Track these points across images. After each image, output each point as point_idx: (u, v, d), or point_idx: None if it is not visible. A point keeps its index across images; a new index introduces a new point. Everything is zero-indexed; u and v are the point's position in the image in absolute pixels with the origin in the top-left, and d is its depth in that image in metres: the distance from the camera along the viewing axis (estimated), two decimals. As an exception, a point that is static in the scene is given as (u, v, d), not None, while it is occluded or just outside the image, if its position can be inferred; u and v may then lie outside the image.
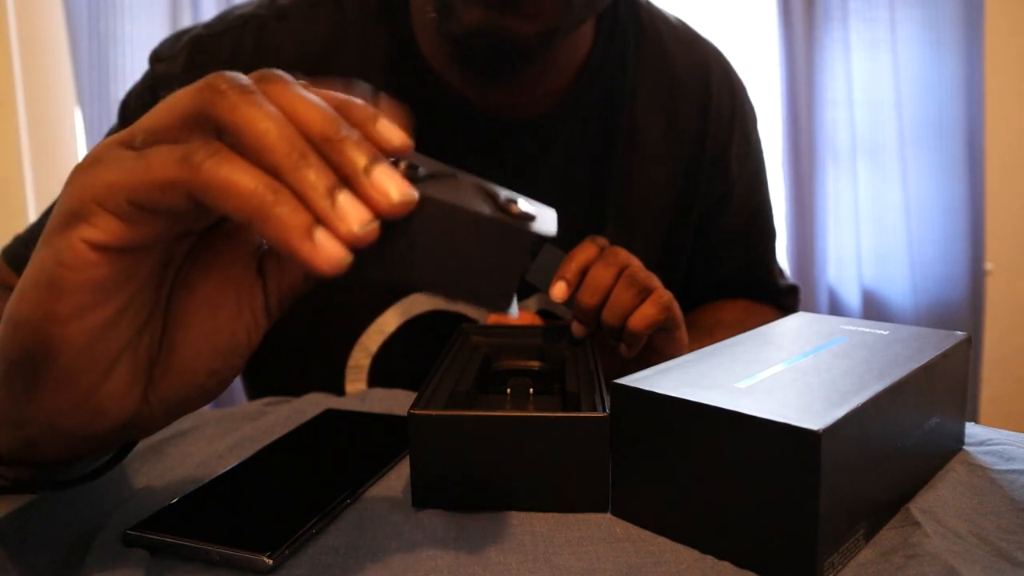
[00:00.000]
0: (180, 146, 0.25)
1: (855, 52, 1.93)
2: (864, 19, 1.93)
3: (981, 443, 0.45)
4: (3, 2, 1.54)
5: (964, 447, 0.45)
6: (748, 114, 0.77)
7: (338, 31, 0.62)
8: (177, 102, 0.26)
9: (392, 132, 0.27)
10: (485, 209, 0.28)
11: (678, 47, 0.71)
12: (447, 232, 0.27)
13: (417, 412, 0.37)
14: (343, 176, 0.25)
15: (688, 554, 0.34)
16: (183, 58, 0.62)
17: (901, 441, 0.37)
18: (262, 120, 0.25)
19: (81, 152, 1.62)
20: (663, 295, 0.53)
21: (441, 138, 0.62)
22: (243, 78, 0.26)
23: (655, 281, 0.54)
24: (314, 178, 0.25)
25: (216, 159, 0.25)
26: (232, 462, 0.43)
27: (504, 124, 0.63)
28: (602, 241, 0.56)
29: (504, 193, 0.30)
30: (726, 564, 0.33)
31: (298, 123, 0.25)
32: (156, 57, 0.64)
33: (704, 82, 0.72)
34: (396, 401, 0.56)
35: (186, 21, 1.57)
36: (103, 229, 0.26)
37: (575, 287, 0.53)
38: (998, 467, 0.42)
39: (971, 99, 1.97)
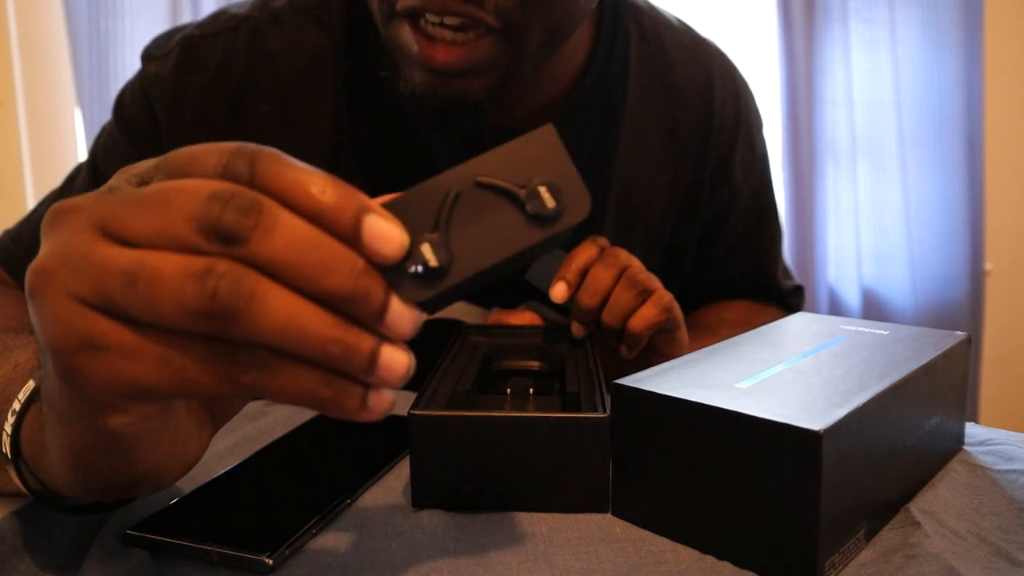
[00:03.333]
0: (217, 351, 0.23)
1: (855, 52, 1.93)
2: (864, 19, 1.93)
3: (981, 443, 0.45)
4: (3, 2, 1.54)
5: (964, 447, 0.45)
6: (752, 119, 0.76)
7: (326, 41, 0.61)
8: (177, 222, 0.23)
9: (385, 242, 0.24)
10: (521, 242, 0.26)
11: (680, 53, 0.71)
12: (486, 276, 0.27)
13: (417, 412, 0.37)
14: (365, 321, 0.24)
15: (688, 554, 0.34)
16: (174, 58, 0.61)
17: (901, 441, 0.37)
18: (281, 318, 0.22)
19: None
20: (663, 296, 0.53)
21: (439, 146, 0.62)
22: (240, 201, 0.23)
23: (655, 282, 0.54)
24: (358, 356, 0.23)
25: (260, 372, 0.23)
26: (232, 462, 0.43)
27: (503, 132, 0.63)
28: (603, 242, 0.56)
29: (527, 184, 0.26)
30: (726, 564, 0.33)
31: (307, 274, 0.23)
32: (147, 56, 0.63)
33: (707, 89, 0.71)
34: (396, 401, 0.56)
35: (186, 21, 1.57)
36: (136, 414, 0.25)
37: (575, 288, 0.53)
38: (998, 467, 0.42)
39: (971, 99, 1.97)
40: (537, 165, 0.26)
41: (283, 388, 0.24)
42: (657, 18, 0.71)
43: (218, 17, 0.64)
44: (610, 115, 0.67)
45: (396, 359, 0.24)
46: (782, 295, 0.81)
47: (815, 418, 0.31)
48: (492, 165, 0.26)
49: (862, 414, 0.32)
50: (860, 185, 1.96)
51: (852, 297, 2.00)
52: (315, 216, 0.23)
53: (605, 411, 0.38)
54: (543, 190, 0.26)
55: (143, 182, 0.25)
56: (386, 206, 0.25)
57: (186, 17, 1.58)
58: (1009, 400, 2.08)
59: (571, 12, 0.52)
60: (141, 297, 0.22)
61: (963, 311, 2.01)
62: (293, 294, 0.23)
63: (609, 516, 0.38)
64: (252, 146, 0.24)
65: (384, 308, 0.24)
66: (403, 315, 0.24)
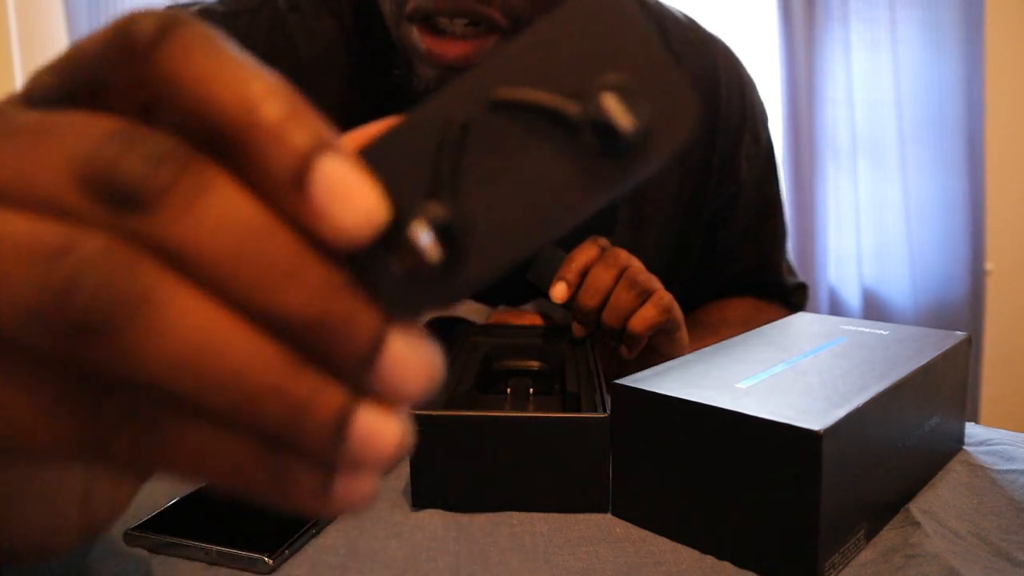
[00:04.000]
0: (71, 392, 0.15)
1: (855, 52, 1.93)
2: (864, 19, 1.93)
3: (981, 443, 0.45)
4: (4, 2, 1.55)
5: (964, 447, 0.45)
6: (758, 114, 0.76)
7: (339, 32, 0.62)
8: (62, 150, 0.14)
9: (347, 210, 0.14)
10: (580, 199, 0.15)
11: (686, 48, 0.71)
12: None
13: (417, 412, 0.37)
14: (341, 365, 0.14)
15: (688, 554, 0.34)
16: None
17: (901, 441, 0.37)
18: (187, 345, 0.13)
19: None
20: (663, 297, 0.53)
21: None
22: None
23: (655, 283, 0.54)
24: (314, 422, 0.14)
25: (144, 434, 0.15)
26: (232, 462, 0.43)
27: None
28: (603, 242, 0.56)
29: (581, 92, 0.15)
30: (726, 564, 0.33)
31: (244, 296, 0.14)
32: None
33: (713, 85, 0.72)
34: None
35: (186, 21, 1.58)
36: None
37: (575, 288, 0.53)
38: (998, 467, 0.42)
39: (971, 99, 1.97)
40: (594, 54, 0.15)
41: (182, 462, 0.15)
42: (663, 13, 0.72)
43: None
44: None
45: (380, 429, 0.15)
46: (785, 292, 0.81)
47: (815, 418, 0.31)
48: (516, 66, 0.15)
49: (862, 414, 0.32)
50: (860, 185, 1.96)
51: (852, 297, 2.00)
52: (265, 164, 0.14)
53: (605, 411, 0.38)
54: (610, 99, 0.14)
55: (32, 100, 0.16)
56: (361, 153, 0.15)
57: (186, 17, 1.58)
58: (1009, 400, 2.08)
59: None
60: None
61: (963, 311, 2.01)
62: (212, 305, 0.14)
63: (609, 516, 0.38)
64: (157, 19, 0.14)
65: (375, 347, 0.14)
66: (405, 360, 0.15)
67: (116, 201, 0.13)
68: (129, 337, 0.13)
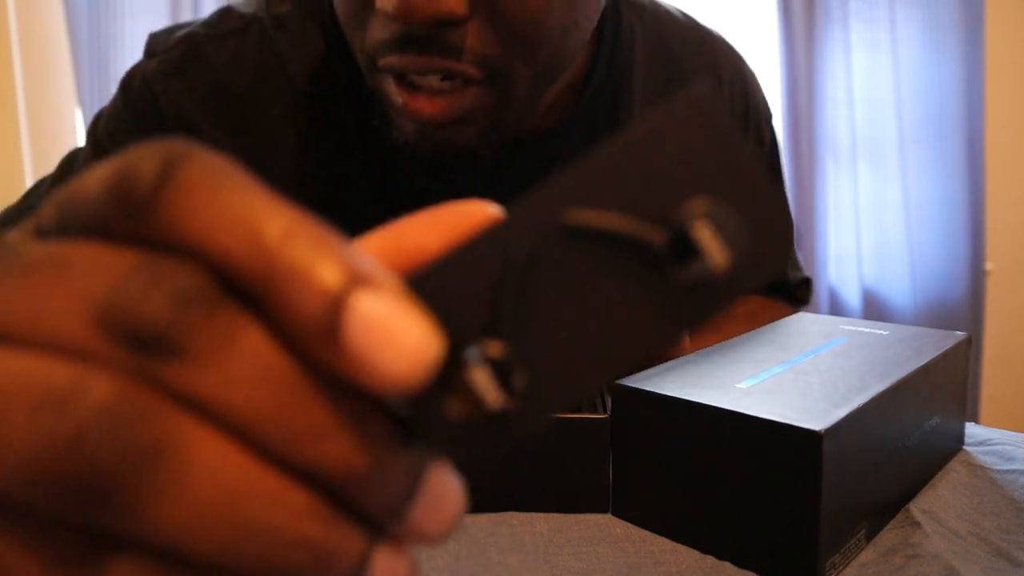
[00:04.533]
0: (57, 544, 0.13)
1: (855, 52, 1.93)
2: (864, 19, 1.93)
3: (981, 443, 0.45)
4: (4, 3, 1.54)
5: (964, 447, 0.45)
6: (761, 112, 0.76)
7: (329, 51, 0.61)
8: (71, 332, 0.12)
9: (397, 358, 0.12)
10: (661, 336, 0.14)
11: (685, 49, 0.71)
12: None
13: (417, 412, 0.37)
14: (366, 513, 0.14)
15: (688, 554, 0.34)
16: (177, 57, 0.59)
17: (902, 441, 0.37)
18: (213, 502, 0.12)
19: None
20: None
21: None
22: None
23: None
24: (336, 568, 0.13)
25: None
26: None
27: (511, 141, 0.62)
28: None
29: (668, 218, 0.14)
30: (726, 564, 0.33)
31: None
32: (150, 52, 0.61)
33: (714, 84, 0.71)
34: None
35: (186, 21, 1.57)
36: None
37: None
38: (998, 467, 0.42)
39: (971, 99, 1.97)
40: (681, 174, 0.13)
41: None
42: (660, 15, 0.71)
43: (225, 16, 0.62)
44: (619, 115, 0.67)
45: (396, 570, 0.15)
46: (789, 288, 0.81)
47: (816, 418, 0.31)
48: (589, 186, 0.13)
49: (862, 414, 0.32)
50: (860, 185, 1.97)
51: (852, 297, 2.00)
52: (301, 314, 0.12)
53: (605, 411, 0.38)
54: (703, 228, 0.13)
55: (41, 231, 0.14)
56: (413, 282, 0.13)
57: (187, 17, 1.58)
58: (1009, 400, 2.08)
59: (560, 51, 0.49)
60: None
61: (963, 311, 2.01)
62: (238, 453, 0.12)
63: (609, 516, 0.38)
64: (167, 158, 0.13)
65: (412, 496, 0.14)
66: (438, 505, 0.14)
67: (138, 344, 0.12)
68: (147, 493, 0.11)
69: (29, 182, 1.61)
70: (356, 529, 0.13)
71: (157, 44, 0.61)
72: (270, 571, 0.13)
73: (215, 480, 0.12)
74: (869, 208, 1.99)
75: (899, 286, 2.01)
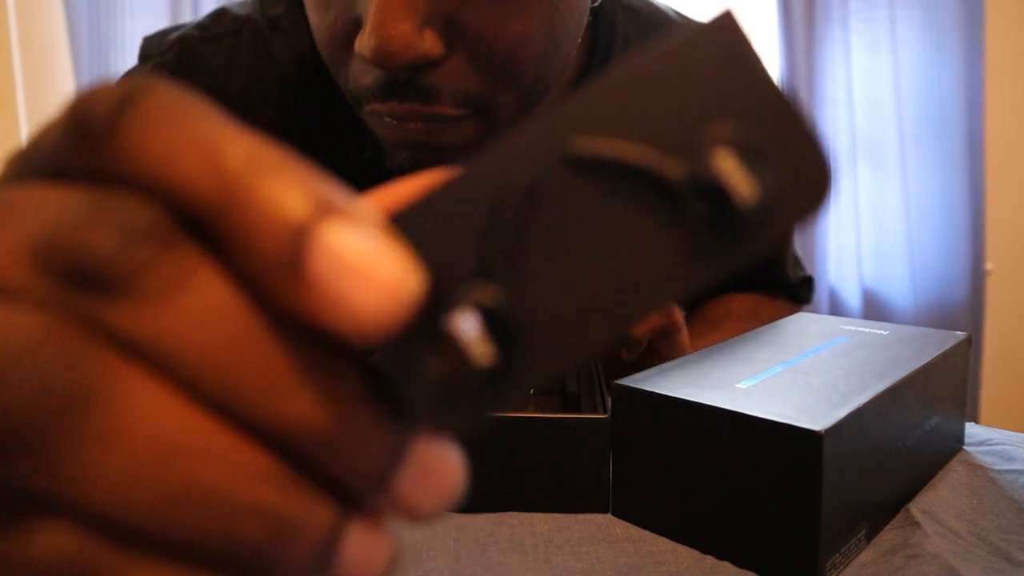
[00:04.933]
0: None
1: (855, 52, 1.93)
2: (864, 19, 1.93)
3: (981, 443, 0.45)
4: (4, 3, 1.55)
5: (964, 447, 0.45)
6: None
7: (320, 60, 0.61)
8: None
9: (369, 296, 0.11)
10: (679, 285, 0.12)
11: None
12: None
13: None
14: (340, 487, 0.12)
15: (688, 554, 0.34)
16: (172, 59, 0.59)
17: (901, 441, 0.37)
18: (148, 455, 0.11)
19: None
20: None
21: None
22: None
23: None
24: (297, 545, 0.12)
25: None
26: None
27: None
28: None
29: (686, 147, 0.12)
30: (726, 564, 0.33)
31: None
32: (144, 54, 0.61)
33: None
34: None
35: (186, 21, 1.57)
36: None
37: None
38: (998, 467, 0.42)
39: (971, 99, 1.97)
40: (701, 100, 0.11)
41: None
42: (656, 21, 0.71)
43: (219, 18, 0.62)
44: None
45: (372, 550, 0.13)
46: (791, 287, 0.80)
47: (816, 418, 0.31)
48: (598, 112, 0.12)
49: (862, 414, 0.32)
50: (860, 185, 1.97)
51: (852, 297, 2.00)
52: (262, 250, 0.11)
53: (605, 411, 0.38)
54: (726, 157, 0.11)
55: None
56: (395, 219, 0.12)
57: (186, 17, 1.58)
58: (1009, 400, 2.08)
59: (543, 76, 0.48)
60: None
61: (963, 311, 2.01)
62: (183, 404, 0.11)
63: (609, 516, 0.38)
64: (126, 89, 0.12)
65: (393, 466, 0.12)
66: (427, 477, 0.13)
67: (77, 281, 0.11)
68: (70, 445, 0.10)
69: (29, 182, 1.61)
70: (324, 499, 0.12)
71: (151, 47, 0.61)
72: (219, 543, 0.11)
73: (151, 432, 0.10)
74: (869, 208, 1.99)
75: (899, 286, 2.01)
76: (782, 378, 0.36)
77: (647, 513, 0.36)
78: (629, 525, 0.37)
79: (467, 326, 0.11)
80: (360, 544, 0.12)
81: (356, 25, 0.41)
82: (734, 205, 0.11)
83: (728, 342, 0.44)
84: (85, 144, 0.11)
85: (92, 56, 1.55)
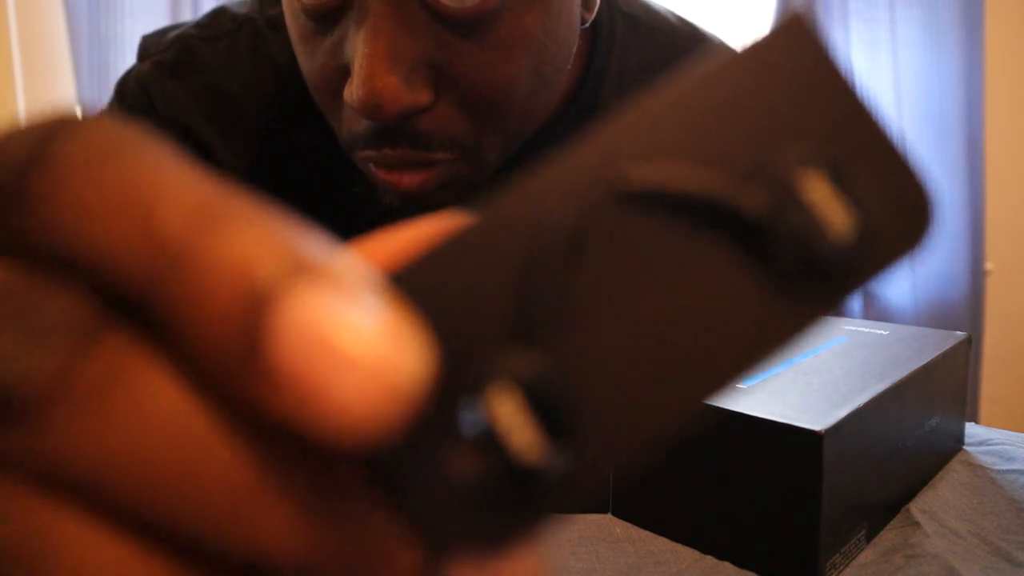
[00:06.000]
0: None
1: (855, 52, 1.93)
2: (864, 19, 1.93)
3: (981, 443, 0.45)
4: (4, 2, 1.55)
5: (964, 447, 0.45)
6: None
7: None
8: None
9: (346, 392, 0.08)
10: (765, 346, 0.10)
11: (681, 58, 0.70)
12: None
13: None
14: None
15: (688, 554, 0.34)
16: (171, 58, 0.59)
17: (902, 441, 0.37)
18: None
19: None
20: None
21: None
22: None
23: None
24: None
25: None
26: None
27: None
28: None
29: (758, 175, 0.09)
30: (726, 564, 0.33)
31: None
32: (143, 53, 0.61)
33: None
34: None
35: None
36: None
37: None
38: (998, 467, 0.42)
39: (971, 99, 1.97)
40: (772, 113, 0.09)
41: None
42: (657, 26, 0.70)
43: (218, 17, 0.62)
44: None
45: None
46: None
47: (816, 418, 0.31)
48: (653, 133, 0.09)
49: (863, 414, 0.32)
50: (860, 185, 1.97)
51: (852, 297, 2.00)
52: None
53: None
54: (818, 182, 0.09)
55: None
56: (395, 278, 0.09)
57: (186, 17, 1.58)
58: (1009, 400, 2.08)
59: (531, 112, 0.47)
60: None
61: (963, 311, 2.02)
62: (124, 550, 0.09)
63: (609, 516, 0.38)
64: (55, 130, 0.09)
65: None
66: None
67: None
68: None
69: (29, 182, 1.61)
70: None
71: (150, 46, 0.61)
72: None
73: None
74: (869, 208, 1.99)
75: (899, 286, 2.01)
76: (782, 378, 0.36)
77: (647, 513, 0.36)
78: (629, 525, 0.37)
79: (504, 410, 0.08)
80: None
81: (343, 71, 0.41)
82: (829, 240, 0.09)
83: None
84: None
85: (92, 56, 1.55)
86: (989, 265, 2.06)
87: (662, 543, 0.35)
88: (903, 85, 1.95)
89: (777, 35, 0.10)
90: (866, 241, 0.09)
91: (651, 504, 0.36)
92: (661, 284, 0.09)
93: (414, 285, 0.09)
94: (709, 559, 0.34)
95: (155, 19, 1.58)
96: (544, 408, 0.08)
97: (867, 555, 0.33)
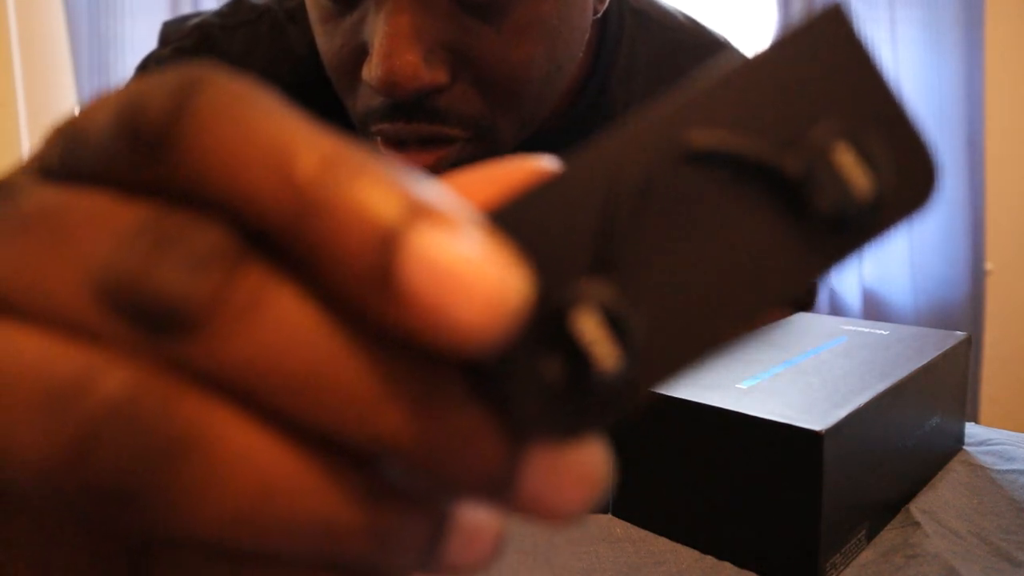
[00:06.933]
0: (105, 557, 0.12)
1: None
2: (864, 19, 1.93)
3: (981, 443, 0.45)
4: (4, 3, 1.55)
5: (964, 447, 0.45)
6: None
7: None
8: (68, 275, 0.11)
9: (470, 308, 0.10)
10: (798, 275, 0.12)
11: (691, 58, 0.70)
12: None
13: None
14: (458, 491, 0.12)
15: (688, 554, 0.34)
16: (192, 44, 0.60)
17: (902, 441, 0.37)
18: (252, 501, 0.10)
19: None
20: None
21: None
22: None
23: None
24: (405, 549, 0.12)
25: None
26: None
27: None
28: None
29: (799, 143, 0.12)
30: (726, 564, 0.33)
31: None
32: (164, 39, 0.62)
33: None
34: None
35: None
36: None
37: None
38: (998, 467, 0.42)
39: (971, 99, 1.97)
40: (812, 97, 0.12)
41: None
42: (666, 23, 0.70)
43: (238, 6, 0.62)
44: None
45: (479, 533, 0.12)
46: None
47: (816, 418, 0.31)
48: (708, 107, 0.12)
49: (863, 414, 0.32)
50: (860, 185, 1.97)
51: (852, 297, 2.00)
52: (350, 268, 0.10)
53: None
54: (844, 150, 0.11)
55: (45, 171, 0.12)
56: (495, 216, 0.11)
57: (186, 17, 1.58)
58: (1009, 400, 2.08)
59: (544, 96, 0.48)
60: None
61: (963, 311, 2.02)
62: (276, 440, 0.11)
63: (609, 516, 0.38)
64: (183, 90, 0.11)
65: (507, 477, 0.11)
66: (551, 486, 0.11)
67: (147, 321, 0.10)
68: (173, 494, 0.10)
69: (29, 182, 1.61)
70: (428, 506, 0.11)
71: (171, 33, 0.62)
72: (327, 557, 0.11)
73: (249, 471, 0.10)
74: (869, 208, 1.99)
75: (899, 286, 2.01)
76: (782, 378, 0.36)
77: (647, 513, 0.36)
78: (629, 525, 0.37)
79: (586, 326, 0.11)
80: (467, 534, 0.12)
81: (362, 51, 0.42)
82: (853, 199, 0.11)
83: (728, 342, 0.44)
84: (138, 151, 0.10)
85: (92, 56, 1.55)
86: (989, 265, 2.06)
87: (662, 543, 0.35)
88: (903, 85, 1.95)
89: (817, 23, 0.11)
90: (882, 200, 0.11)
91: (651, 504, 0.36)
92: (714, 228, 0.11)
93: (511, 222, 0.11)
94: (709, 559, 0.34)
95: (155, 19, 1.58)
96: (617, 326, 0.11)
97: (867, 555, 0.33)
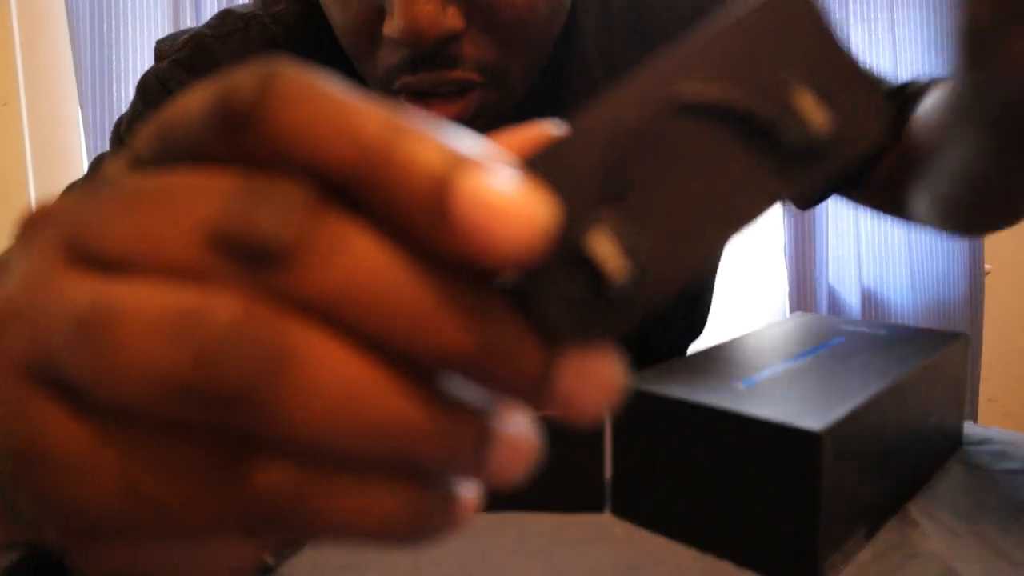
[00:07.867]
0: (219, 462, 0.13)
1: (855, 52, 1.93)
2: (864, 19, 1.93)
3: (980, 443, 0.45)
4: (6, 4, 1.55)
5: (963, 447, 0.45)
6: None
7: (323, 47, 0.62)
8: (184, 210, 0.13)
9: (509, 227, 0.12)
10: (765, 199, 0.15)
11: (681, 28, 0.69)
12: None
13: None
14: (508, 394, 0.14)
15: (688, 554, 0.34)
16: (186, 55, 0.63)
17: (900, 441, 0.37)
18: (338, 404, 0.13)
19: (84, 152, 1.62)
20: None
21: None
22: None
23: None
24: (466, 452, 0.14)
25: (292, 498, 0.13)
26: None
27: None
28: None
29: (771, 93, 0.14)
30: (726, 564, 0.33)
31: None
32: (160, 54, 0.65)
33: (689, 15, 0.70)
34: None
35: (188, 23, 1.58)
36: (122, 555, 0.15)
37: None
38: (996, 466, 0.42)
39: (971, 99, 1.97)
40: (778, 54, 0.14)
41: (331, 519, 0.14)
42: None
43: (225, 18, 0.65)
44: (567, 82, 0.63)
45: (521, 444, 0.15)
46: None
47: (815, 418, 0.31)
48: (695, 64, 0.14)
49: (862, 414, 0.32)
50: (860, 185, 1.96)
51: (852, 297, 2.00)
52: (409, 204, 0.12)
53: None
54: (805, 95, 0.14)
55: (140, 161, 0.15)
56: (527, 163, 0.14)
57: (188, 18, 1.58)
58: (1008, 400, 2.08)
59: (549, 35, 0.52)
60: (91, 363, 0.13)
61: (962, 311, 2.02)
62: (358, 354, 0.13)
63: (609, 516, 0.38)
64: (261, 78, 0.13)
65: (544, 377, 0.13)
66: (579, 383, 0.14)
67: (251, 259, 0.13)
68: (277, 398, 0.12)
69: (31, 182, 1.61)
70: (482, 411, 0.14)
71: (165, 48, 0.66)
72: (399, 458, 0.13)
73: (336, 382, 0.12)
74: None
75: (898, 286, 2.01)
76: (782, 378, 0.37)
77: (647, 513, 0.37)
78: (629, 525, 0.37)
79: (600, 246, 0.13)
80: (512, 443, 0.14)
81: (378, 14, 0.45)
82: (812, 134, 0.13)
83: (728, 342, 0.44)
84: (231, 130, 0.13)
85: (94, 57, 1.55)
86: (989, 265, 2.07)
87: (662, 543, 0.35)
88: (903, 85, 1.95)
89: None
90: (840, 136, 0.14)
91: (651, 504, 0.36)
92: (701, 164, 0.14)
93: (539, 167, 0.13)
94: (709, 559, 0.34)
95: (157, 20, 1.58)
96: (625, 245, 0.13)
97: (866, 554, 0.34)
